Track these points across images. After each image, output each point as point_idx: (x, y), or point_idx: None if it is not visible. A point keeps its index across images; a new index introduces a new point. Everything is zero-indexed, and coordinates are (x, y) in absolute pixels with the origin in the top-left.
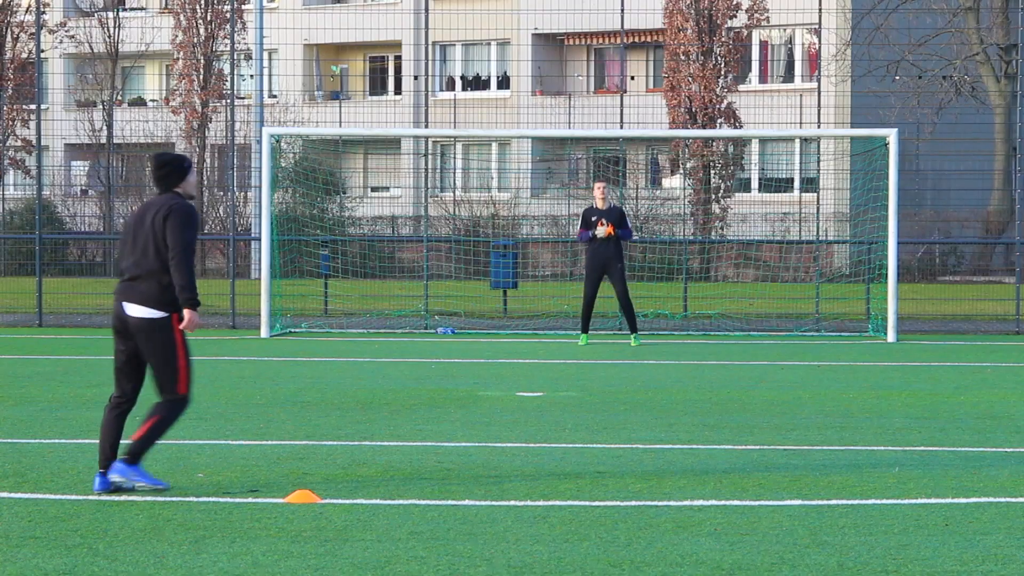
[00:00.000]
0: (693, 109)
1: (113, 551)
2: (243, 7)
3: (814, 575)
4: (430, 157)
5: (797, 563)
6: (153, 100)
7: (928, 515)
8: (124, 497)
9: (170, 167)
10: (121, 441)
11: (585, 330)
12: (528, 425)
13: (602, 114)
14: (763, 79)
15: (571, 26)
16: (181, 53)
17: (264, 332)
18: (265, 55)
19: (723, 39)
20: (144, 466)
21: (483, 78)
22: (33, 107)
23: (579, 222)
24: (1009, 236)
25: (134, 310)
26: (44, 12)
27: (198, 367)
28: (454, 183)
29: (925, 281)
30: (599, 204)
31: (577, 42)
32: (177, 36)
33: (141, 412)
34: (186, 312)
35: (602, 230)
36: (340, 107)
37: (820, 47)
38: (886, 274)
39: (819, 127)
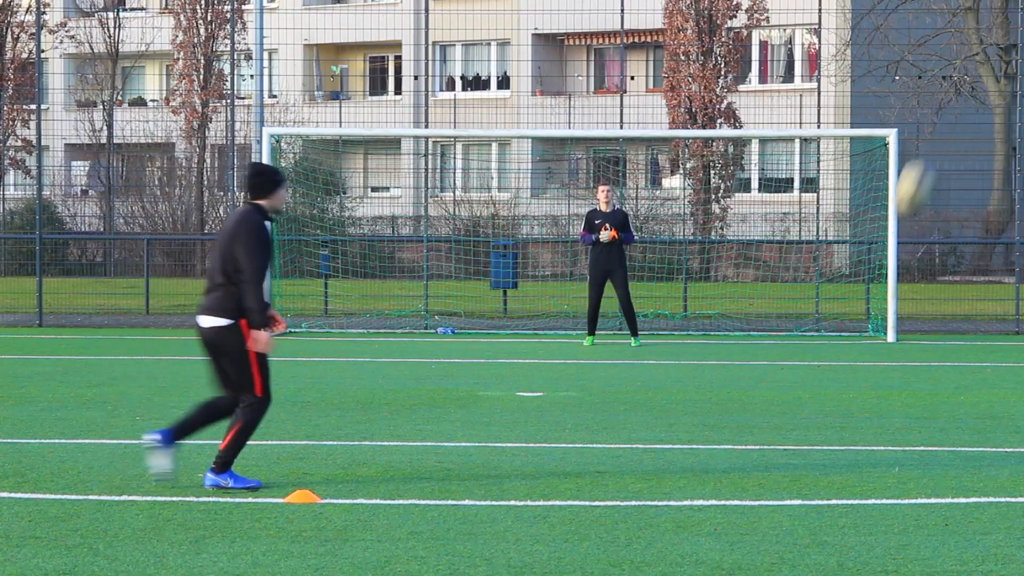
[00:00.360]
0: (693, 109)
1: (113, 551)
2: (243, 7)
3: (814, 575)
4: (430, 157)
5: (797, 563)
6: (153, 100)
7: (928, 515)
8: (124, 497)
9: (262, 178)
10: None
11: (591, 332)
12: (528, 425)
13: (602, 114)
14: (763, 79)
15: (571, 26)
16: (181, 53)
17: None
18: (265, 55)
19: (723, 39)
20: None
21: (483, 78)
22: (33, 107)
23: (582, 223)
24: (1009, 236)
25: (204, 321)
26: (44, 12)
27: (199, 367)
28: (454, 183)
29: (925, 281)
30: (603, 207)
31: (577, 42)
32: (177, 36)
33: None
34: (254, 333)
35: (605, 234)
36: (340, 107)
37: (820, 47)
38: (886, 274)
39: (819, 127)
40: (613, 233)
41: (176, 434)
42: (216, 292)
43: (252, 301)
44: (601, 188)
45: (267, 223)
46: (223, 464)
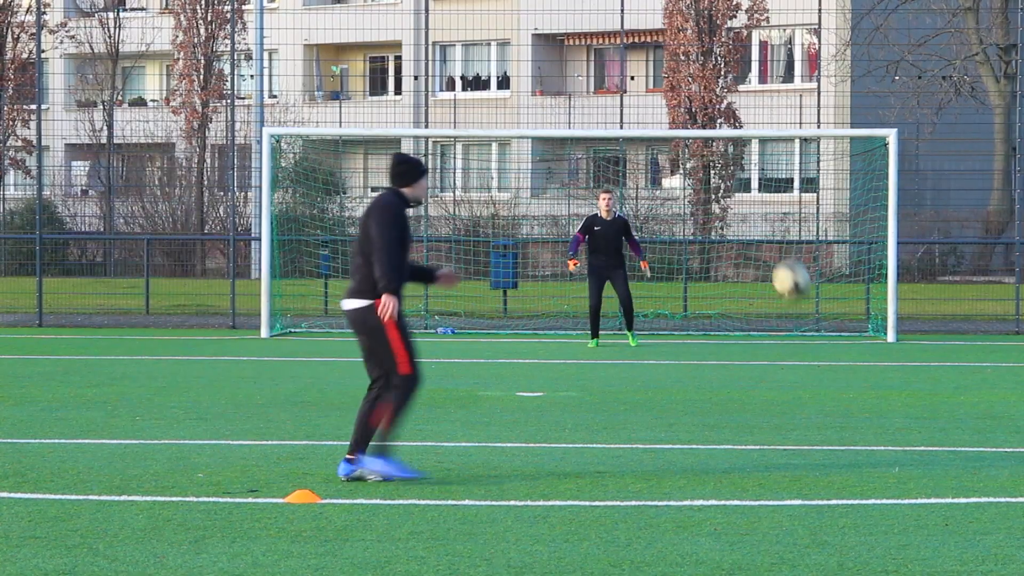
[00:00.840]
0: (693, 109)
1: (113, 551)
2: (243, 7)
3: (814, 575)
4: (430, 157)
5: (797, 563)
6: (153, 100)
7: (928, 515)
8: (124, 497)
9: (406, 166)
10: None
11: (595, 335)
12: (528, 425)
13: (602, 114)
14: (763, 79)
15: (571, 26)
16: (181, 53)
17: (264, 332)
18: (265, 55)
19: (723, 39)
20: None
21: (483, 78)
22: (33, 107)
23: (579, 225)
24: (1009, 236)
25: (346, 304)
26: (45, 12)
27: (199, 366)
28: (454, 183)
29: (925, 281)
30: (604, 214)
31: (577, 42)
32: (177, 36)
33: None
34: (384, 297)
35: (648, 272)
36: (340, 107)
37: (820, 47)
38: (886, 274)
39: (819, 127)
40: (643, 264)
41: (355, 449)
42: (357, 275)
43: (379, 268)
44: (603, 196)
45: (406, 208)
46: (383, 448)
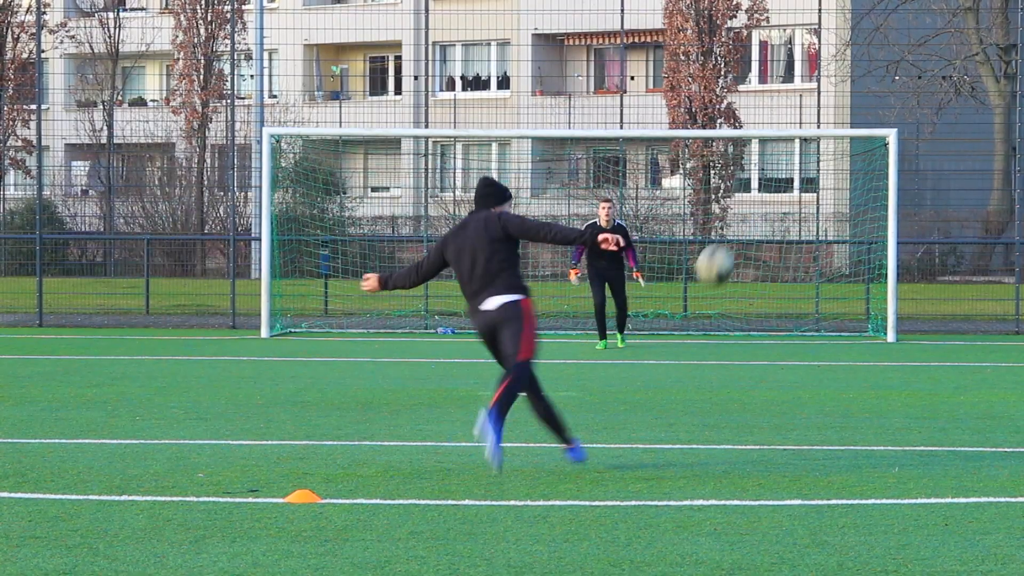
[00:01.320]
0: (693, 109)
1: (113, 551)
2: (243, 7)
3: (814, 575)
4: (430, 157)
5: (797, 563)
6: (153, 100)
7: (928, 515)
8: (124, 497)
9: (494, 189)
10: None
11: (602, 336)
12: (528, 425)
13: (602, 114)
14: (763, 79)
15: (571, 26)
16: (181, 53)
17: (264, 332)
18: (265, 55)
19: (723, 39)
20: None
21: (483, 78)
22: (33, 107)
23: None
24: (1009, 236)
25: (493, 303)
26: (44, 12)
27: (199, 366)
28: (454, 183)
29: (925, 281)
30: (603, 223)
31: (577, 42)
32: (177, 36)
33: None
34: (602, 237)
35: (642, 281)
36: (340, 107)
37: (820, 47)
38: (886, 274)
39: (819, 127)
40: (637, 274)
41: (564, 438)
42: (498, 279)
43: (566, 235)
44: (603, 204)
45: None
46: (489, 413)
